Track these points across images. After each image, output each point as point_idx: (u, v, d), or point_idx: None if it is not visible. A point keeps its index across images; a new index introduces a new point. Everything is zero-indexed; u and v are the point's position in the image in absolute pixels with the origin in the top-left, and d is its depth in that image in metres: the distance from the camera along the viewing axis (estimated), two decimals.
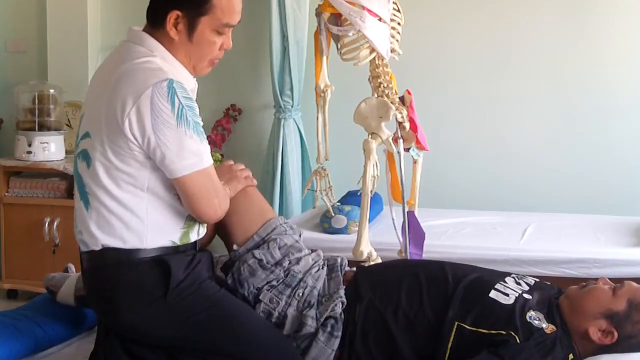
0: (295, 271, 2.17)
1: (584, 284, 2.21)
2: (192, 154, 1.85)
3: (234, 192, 2.16)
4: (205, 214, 1.94)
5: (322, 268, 2.25)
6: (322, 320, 2.10)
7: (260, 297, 2.12)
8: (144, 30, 1.97)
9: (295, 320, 2.11)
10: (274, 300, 2.12)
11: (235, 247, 2.20)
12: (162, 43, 1.93)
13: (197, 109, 1.89)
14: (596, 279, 2.25)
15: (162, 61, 1.91)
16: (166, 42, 1.94)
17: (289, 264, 2.17)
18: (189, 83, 1.97)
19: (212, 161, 1.93)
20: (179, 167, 1.85)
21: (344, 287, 2.18)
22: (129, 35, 1.98)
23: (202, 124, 1.89)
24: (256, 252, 2.16)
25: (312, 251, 2.29)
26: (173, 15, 1.91)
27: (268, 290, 2.13)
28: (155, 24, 1.95)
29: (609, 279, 2.25)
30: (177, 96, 1.83)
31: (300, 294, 2.14)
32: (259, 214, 2.24)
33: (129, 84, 1.84)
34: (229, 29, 1.97)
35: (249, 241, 2.19)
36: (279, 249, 2.18)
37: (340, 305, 2.12)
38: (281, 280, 2.15)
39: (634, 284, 2.17)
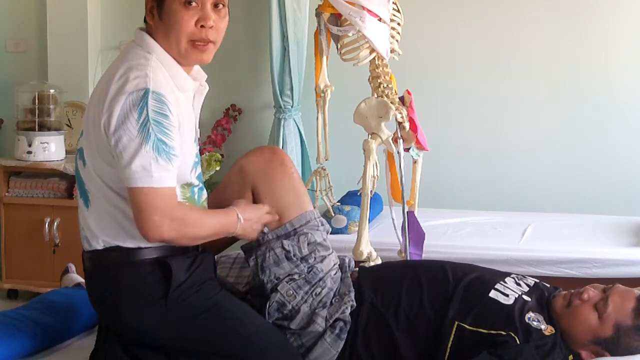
0: (318, 269, 2.16)
1: (569, 298, 2.14)
2: (142, 169, 1.80)
3: (247, 235, 2.10)
4: (142, 232, 1.85)
5: (339, 269, 2.25)
6: (331, 321, 2.10)
7: (279, 288, 2.12)
8: (145, 30, 1.97)
9: (306, 316, 2.11)
10: (291, 293, 2.11)
11: (265, 229, 2.17)
12: (153, 36, 1.92)
13: (170, 127, 1.82)
14: (590, 281, 2.24)
15: (157, 64, 1.89)
16: (152, 33, 1.93)
17: (314, 260, 2.16)
18: (185, 85, 1.95)
19: (171, 186, 1.84)
20: (125, 177, 1.82)
21: (354, 290, 2.18)
22: (134, 36, 1.97)
23: (170, 142, 1.82)
24: (285, 243, 2.14)
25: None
26: (148, 2, 1.92)
27: (288, 282, 2.13)
28: (145, 18, 1.96)
29: (609, 279, 2.24)
30: (147, 108, 1.80)
31: (318, 293, 2.14)
32: (296, 201, 2.19)
33: (113, 87, 1.83)
34: (199, 0, 1.89)
35: (280, 228, 2.16)
36: (308, 244, 2.16)
37: (350, 309, 2.13)
38: (303, 275, 2.14)
39: (619, 294, 2.11)
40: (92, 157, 1.89)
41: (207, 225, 1.97)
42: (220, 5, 1.94)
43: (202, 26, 1.90)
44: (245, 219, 2.03)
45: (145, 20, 1.96)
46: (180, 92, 1.93)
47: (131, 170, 1.80)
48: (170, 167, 1.83)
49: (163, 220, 1.83)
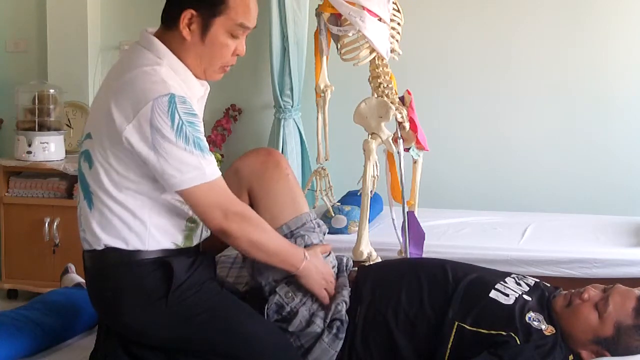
0: None
1: (570, 298, 2.15)
2: (192, 168, 1.83)
3: (310, 280, 2.10)
4: (210, 224, 1.93)
5: (337, 270, 2.25)
6: (328, 321, 2.10)
7: (277, 290, 2.12)
8: (157, 32, 1.95)
9: (304, 319, 2.11)
10: (289, 295, 2.11)
11: None
12: (173, 44, 1.91)
13: (200, 124, 1.88)
14: (590, 281, 2.23)
15: (168, 70, 1.88)
16: (178, 43, 1.91)
17: None
18: (196, 91, 1.96)
19: (219, 174, 1.90)
20: (179, 181, 1.84)
21: (349, 288, 2.18)
22: (140, 38, 1.96)
23: (204, 139, 1.87)
24: None
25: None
26: (187, 14, 1.89)
27: (286, 284, 2.12)
28: (169, 23, 1.93)
29: (609, 279, 2.24)
30: (178, 112, 1.81)
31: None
32: (292, 204, 2.19)
33: (131, 94, 1.82)
34: (243, 33, 1.95)
35: (277, 230, 2.14)
36: (305, 247, 2.15)
37: (344, 306, 2.12)
38: None
39: (619, 294, 2.11)
40: (104, 161, 1.88)
41: (273, 237, 2.02)
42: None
43: (237, 55, 1.97)
44: (310, 261, 2.06)
45: (163, 22, 1.94)
46: (190, 96, 1.93)
47: (182, 172, 1.83)
48: (213, 161, 1.89)
49: (226, 211, 1.90)
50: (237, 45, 1.95)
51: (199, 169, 1.84)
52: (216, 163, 1.91)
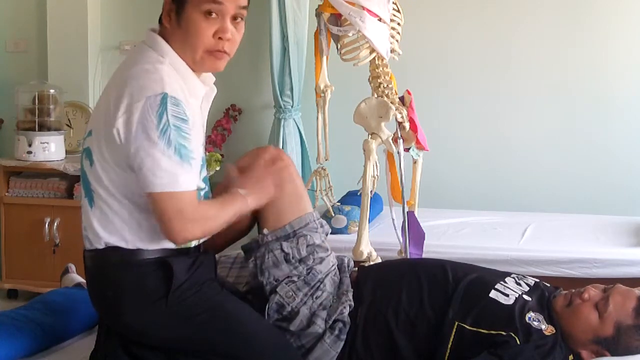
0: (317, 271, 2.17)
1: (570, 298, 2.15)
2: (166, 174, 1.79)
3: (257, 202, 2.04)
4: (170, 236, 1.85)
5: (338, 270, 2.25)
6: (330, 322, 2.11)
7: (278, 289, 2.12)
8: (158, 32, 1.95)
9: (305, 318, 2.11)
10: (290, 294, 2.12)
11: (265, 230, 2.18)
12: (166, 40, 1.90)
13: (189, 130, 1.82)
14: (590, 281, 2.23)
15: (170, 68, 1.87)
16: (166, 36, 1.91)
17: (312, 262, 2.17)
18: (197, 90, 1.95)
19: (194, 189, 1.85)
20: (149, 183, 1.80)
21: (352, 290, 2.19)
22: (145, 37, 1.95)
23: (189, 146, 1.81)
24: (284, 245, 2.15)
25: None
26: (166, 3, 1.90)
27: (287, 284, 2.13)
28: (160, 19, 1.93)
29: (609, 279, 2.24)
30: (167, 113, 1.79)
31: (317, 295, 2.14)
32: (296, 203, 2.19)
33: (129, 91, 1.81)
34: (220, 11, 1.88)
35: (280, 229, 2.16)
36: (307, 246, 2.16)
37: (349, 309, 2.13)
38: (302, 277, 2.15)
39: (620, 293, 2.11)
40: (101, 158, 1.88)
41: (223, 215, 1.93)
42: (239, 19, 1.94)
43: (219, 38, 1.90)
44: (247, 195, 1.99)
45: (160, 21, 1.94)
46: (191, 97, 1.92)
47: (156, 175, 1.79)
48: (192, 171, 1.84)
49: (187, 224, 1.83)
50: (218, 27, 1.89)
51: (173, 176, 1.79)
52: (194, 177, 1.85)
